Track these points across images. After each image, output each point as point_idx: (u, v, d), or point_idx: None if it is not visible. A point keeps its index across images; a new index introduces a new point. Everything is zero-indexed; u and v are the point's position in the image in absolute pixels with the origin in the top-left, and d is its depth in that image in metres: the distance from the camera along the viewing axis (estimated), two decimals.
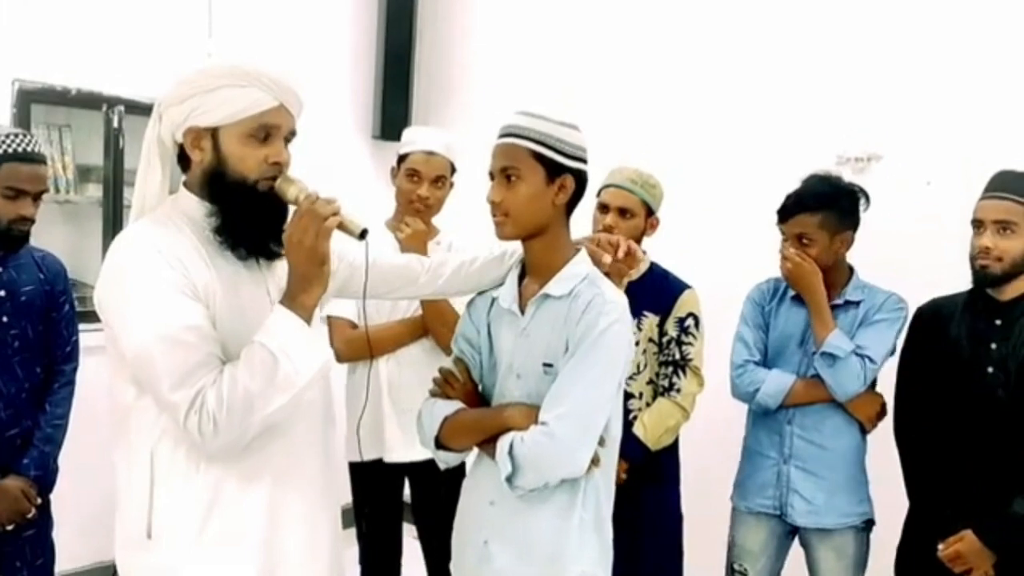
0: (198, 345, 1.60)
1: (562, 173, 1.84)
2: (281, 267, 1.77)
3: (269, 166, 1.70)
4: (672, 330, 2.70)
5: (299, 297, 1.66)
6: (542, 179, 1.83)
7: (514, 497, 1.83)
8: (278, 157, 1.71)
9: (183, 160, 1.74)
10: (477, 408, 1.96)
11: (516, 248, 2.02)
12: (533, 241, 1.90)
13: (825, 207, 2.54)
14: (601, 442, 1.83)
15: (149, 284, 1.59)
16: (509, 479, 1.79)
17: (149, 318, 1.57)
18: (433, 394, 2.00)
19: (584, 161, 1.88)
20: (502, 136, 1.87)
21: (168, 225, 1.69)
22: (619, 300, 1.85)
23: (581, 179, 1.88)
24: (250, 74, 1.66)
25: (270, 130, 1.69)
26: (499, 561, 1.88)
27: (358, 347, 2.72)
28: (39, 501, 2.53)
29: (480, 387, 2.02)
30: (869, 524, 2.64)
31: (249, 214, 1.69)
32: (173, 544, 1.65)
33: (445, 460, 1.99)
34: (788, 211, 2.59)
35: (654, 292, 2.74)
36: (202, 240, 1.70)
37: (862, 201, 2.59)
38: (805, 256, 2.55)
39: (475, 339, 2.03)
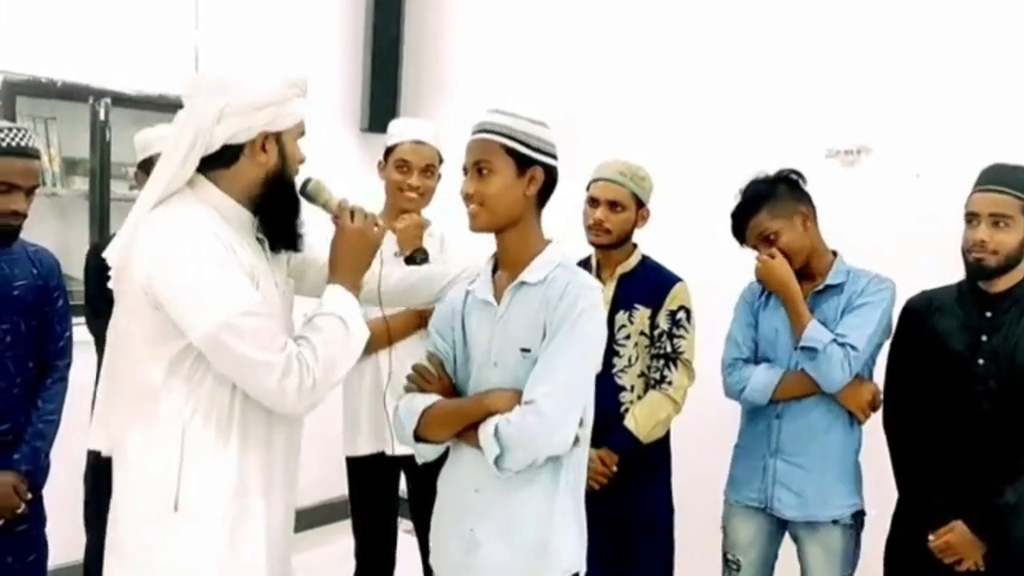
0: (271, 314, 1.77)
1: (531, 165, 1.92)
2: (281, 260, 1.95)
3: (298, 165, 1.91)
4: (664, 323, 2.71)
5: (350, 280, 1.90)
6: (513, 172, 1.92)
7: (500, 482, 1.87)
8: (303, 156, 1.92)
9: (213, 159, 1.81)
10: (455, 399, 2.00)
11: (462, 271, 2.16)
12: (507, 233, 1.97)
13: (764, 200, 2.57)
14: (580, 423, 1.89)
15: (219, 266, 1.71)
16: (497, 461, 1.82)
17: (227, 296, 1.69)
18: (408, 391, 2.03)
19: (553, 156, 1.96)
20: (475, 133, 1.97)
21: (206, 213, 1.78)
22: (595, 285, 1.94)
23: (551, 173, 1.95)
24: (304, 83, 1.87)
25: (303, 133, 1.91)
26: (487, 547, 1.91)
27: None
28: (29, 496, 2.51)
29: (454, 381, 2.05)
30: (859, 519, 2.63)
31: (294, 210, 1.91)
32: (201, 516, 1.75)
33: (424, 454, 2.03)
34: (738, 230, 2.63)
35: (646, 285, 2.75)
36: (234, 230, 1.81)
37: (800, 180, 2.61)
38: (772, 253, 2.56)
39: (448, 334, 2.07)
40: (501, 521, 1.91)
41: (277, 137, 1.83)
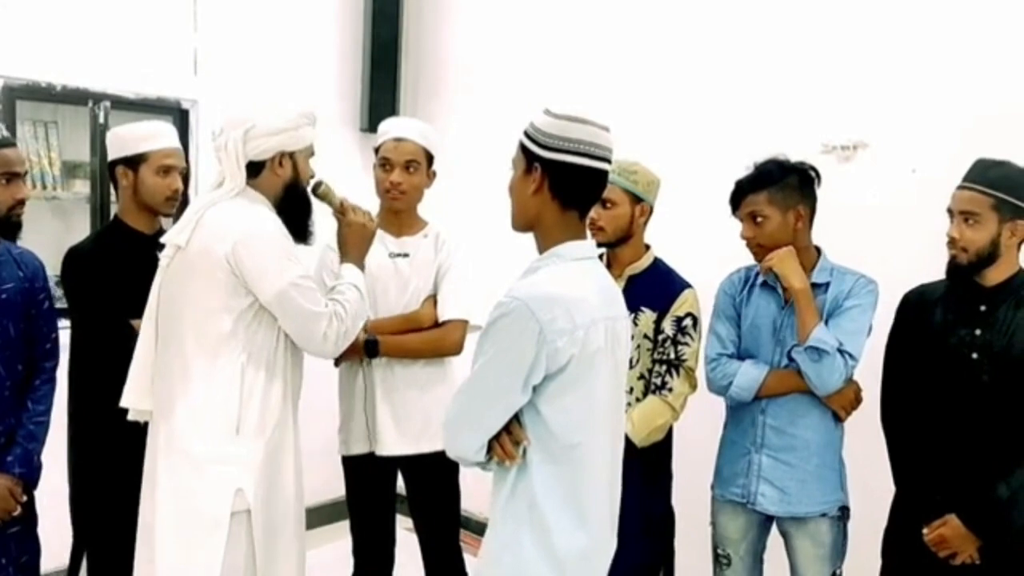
0: (313, 281, 2.35)
1: (535, 162, 1.80)
2: None
3: (309, 179, 2.47)
4: (669, 329, 2.66)
5: (357, 260, 2.53)
6: (522, 169, 1.83)
7: None
8: (313, 172, 2.48)
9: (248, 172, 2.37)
10: None
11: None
12: (534, 235, 1.88)
13: (769, 184, 2.55)
14: (518, 440, 1.78)
15: (287, 248, 2.30)
16: None
17: (292, 264, 2.28)
18: None
19: (566, 152, 1.77)
20: None
21: (265, 208, 2.35)
22: (522, 295, 1.74)
23: (558, 170, 1.78)
24: (313, 115, 2.43)
25: (312, 153, 2.46)
26: None
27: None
28: (24, 498, 2.53)
29: None
30: (845, 512, 2.64)
31: (305, 212, 2.45)
32: (256, 437, 2.28)
33: None
34: (735, 196, 2.61)
35: (655, 288, 2.70)
36: None
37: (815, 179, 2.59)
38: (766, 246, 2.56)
39: None
40: None
41: (291, 156, 2.37)
